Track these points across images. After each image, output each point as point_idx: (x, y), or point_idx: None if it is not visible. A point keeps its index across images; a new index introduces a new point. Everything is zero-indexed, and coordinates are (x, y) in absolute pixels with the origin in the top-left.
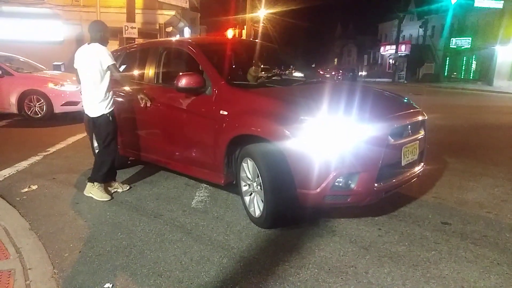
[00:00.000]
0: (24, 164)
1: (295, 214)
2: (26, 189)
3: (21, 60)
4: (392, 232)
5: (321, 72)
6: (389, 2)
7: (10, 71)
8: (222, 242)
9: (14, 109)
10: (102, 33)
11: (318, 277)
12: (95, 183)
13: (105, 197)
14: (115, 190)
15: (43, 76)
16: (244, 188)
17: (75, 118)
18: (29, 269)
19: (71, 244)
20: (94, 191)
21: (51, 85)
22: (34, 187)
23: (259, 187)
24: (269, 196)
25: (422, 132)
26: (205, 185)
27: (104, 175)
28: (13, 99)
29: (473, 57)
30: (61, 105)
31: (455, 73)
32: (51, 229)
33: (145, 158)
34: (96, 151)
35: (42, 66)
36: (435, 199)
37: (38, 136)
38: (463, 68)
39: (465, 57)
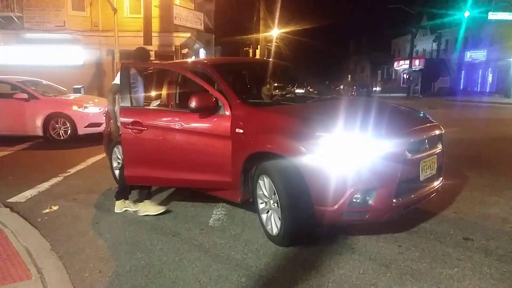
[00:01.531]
0: (45, 185)
1: (312, 231)
2: (47, 210)
3: (45, 83)
4: (412, 248)
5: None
6: (401, 17)
7: (35, 95)
8: (240, 261)
9: (39, 132)
10: (137, 59)
11: None
12: (145, 200)
13: (160, 209)
14: (126, 208)
15: (67, 99)
16: (261, 206)
17: (97, 139)
18: None
19: (91, 264)
20: (147, 208)
21: (75, 107)
22: (55, 207)
23: (275, 205)
24: (286, 214)
25: (439, 146)
26: (222, 203)
27: (143, 191)
28: (39, 122)
29: (489, 69)
30: (85, 127)
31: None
32: (72, 249)
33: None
34: (116, 171)
35: (65, 89)
36: (456, 214)
37: (59, 158)
38: (479, 81)
39: (480, 70)
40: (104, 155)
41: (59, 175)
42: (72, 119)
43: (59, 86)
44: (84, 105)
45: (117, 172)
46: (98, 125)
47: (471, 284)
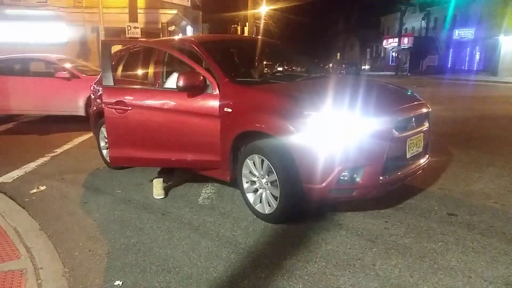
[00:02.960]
0: (32, 165)
1: (303, 208)
2: (35, 190)
3: (81, 62)
4: (398, 224)
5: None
6: None
7: (77, 74)
8: (230, 238)
9: (82, 112)
10: None
11: (325, 270)
12: (155, 180)
13: (161, 195)
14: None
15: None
16: (246, 185)
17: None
18: (40, 268)
19: (80, 243)
20: (153, 188)
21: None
22: (42, 187)
23: (269, 184)
24: (285, 192)
25: (426, 124)
26: (211, 182)
27: (160, 172)
28: (81, 102)
29: (477, 48)
30: None
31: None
32: (61, 229)
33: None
34: (104, 151)
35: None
36: (441, 191)
37: (44, 138)
38: (467, 59)
39: (468, 48)
40: (91, 134)
41: (46, 155)
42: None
43: (95, 66)
44: None
45: (104, 151)
46: None
47: (454, 257)
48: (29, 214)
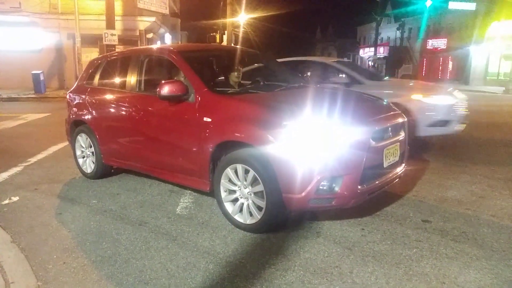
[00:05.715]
0: (4, 176)
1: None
2: (7, 201)
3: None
4: (375, 231)
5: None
6: (367, 5)
7: (359, 79)
8: (208, 248)
9: None
10: None
11: (303, 278)
12: None
13: None
14: None
15: (406, 85)
16: (224, 195)
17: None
18: (12, 283)
19: (55, 255)
20: None
21: (416, 96)
22: (15, 198)
23: (252, 194)
24: (272, 203)
25: (402, 134)
26: (189, 191)
27: None
28: None
29: (449, 57)
30: (428, 126)
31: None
32: (34, 241)
33: (129, 166)
34: (79, 160)
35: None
36: (416, 198)
37: (18, 147)
38: (440, 68)
39: (441, 58)
40: (66, 143)
41: (19, 164)
42: (412, 113)
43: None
44: (430, 94)
45: (80, 160)
46: (445, 123)
47: (428, 263)
48: (0, 226)
